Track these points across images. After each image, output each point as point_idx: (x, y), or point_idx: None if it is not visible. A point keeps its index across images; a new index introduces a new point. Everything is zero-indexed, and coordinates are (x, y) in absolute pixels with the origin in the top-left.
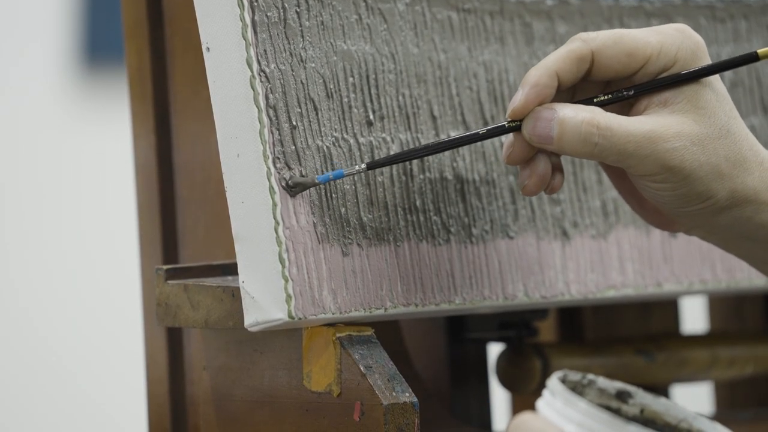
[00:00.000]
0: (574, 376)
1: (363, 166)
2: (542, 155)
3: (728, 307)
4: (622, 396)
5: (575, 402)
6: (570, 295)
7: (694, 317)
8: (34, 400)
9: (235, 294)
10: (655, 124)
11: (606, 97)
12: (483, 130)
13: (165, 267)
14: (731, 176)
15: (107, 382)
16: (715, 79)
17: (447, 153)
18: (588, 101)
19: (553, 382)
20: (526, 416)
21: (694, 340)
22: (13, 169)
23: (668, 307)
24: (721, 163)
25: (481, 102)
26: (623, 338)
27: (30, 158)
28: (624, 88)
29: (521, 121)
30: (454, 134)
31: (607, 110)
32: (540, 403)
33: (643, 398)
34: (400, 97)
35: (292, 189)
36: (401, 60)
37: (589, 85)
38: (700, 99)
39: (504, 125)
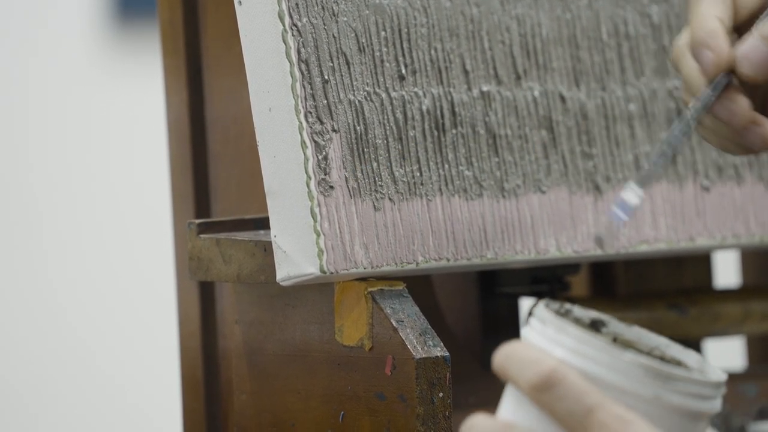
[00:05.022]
0: (553, 305)
1: (640, 193)
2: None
3: (761, 262)
4: (596, 325)
5: (568, 329)
6: (602, 249)
7: (726, 272)
8: (66, 354)
9: (267, 248)
10: None
11: None
12: (708, 94)
13: (197, 221)
14: None
15: (140, 337)
16: None
17: (479, 107)
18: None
19: (542, 310)
20: (516, 346)
21: (727, 294)
22: (45, 123)
23: (701, 262)
24: None
25: (513, 56)
26: (655, 293)
27: (62, 112)
28: None
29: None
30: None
31: None
32: (527, 333)
33: (616, 327)
34: (433, 51)
35: (602, 240)
36: (433, 13)
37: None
38: None
39: (720, 78)
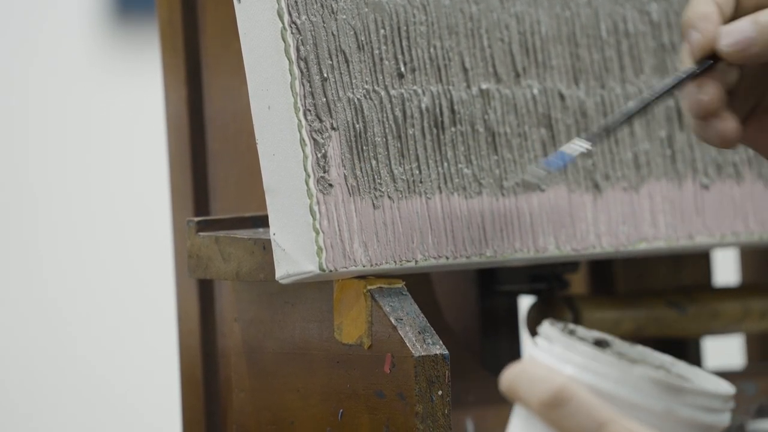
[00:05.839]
0: (558, 324)
1: (586, 146)
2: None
3: (760, 260)
4: (600, 344)
5: (576, 345)
6: (601, 247)
7: (726, 270)
8: (65, 353)
9: (266, 246)
10: None
11: None
12: (686, 72)
13: (196, 219)
14: None
15: (139, 335)
16: None
17: (478, 105)
18: None
19: (548, 329)
20: (524, 365)
21: (726, 292)
22: (45, 121)
23: (700, 260)
24: None
25: (512, 54)
26: (655, 291)
27: (62, 110)
28: None
29: (710, 59)
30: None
31: None
32: (534, 352)
33: (620, 347)
34: (432, 49)
35: (523, 185)
36: (433, 11)
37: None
38: None
39: (696, 66)
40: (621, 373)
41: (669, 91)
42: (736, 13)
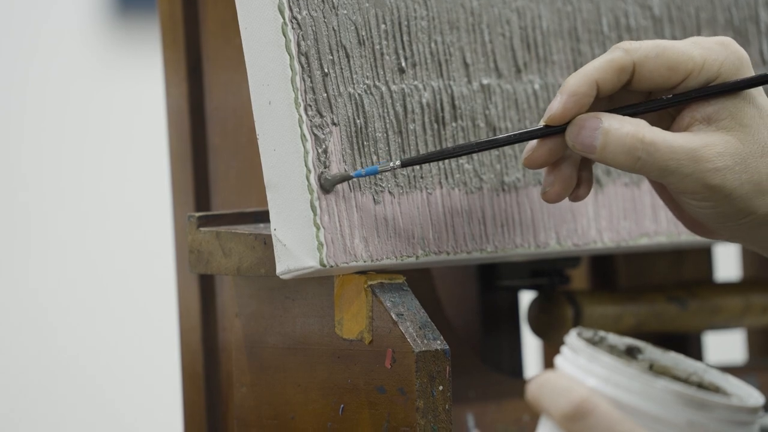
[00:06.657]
0: (587, 333)
1: (397, 163)
2: (568, 163)
3: (761, 255)
4: (632, 352)
5: (600, 357)
6: (602, 242)
7: (727, 264)
8: (66, 349)
9: (266, 241)
10: (699, 143)
11: (644, 106)
12: (519, 132)
13: (197, 214)
14: None
15: (140, 330)
16: (759, 93)
17: (479, 100)
18: (626, 108)
19: (574, 339)
20: (548, 375)
21: (728, 287)
22: (46, 116)
23: (701, 255)
24: (762, 180)
25: (513, 49)
26: (656, 286)
27: (63, 105)
28: (664, 97)
29: (557, 126)
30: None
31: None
32: (560, 361)
33: (652, 353)
34: (433, 44)
35: (325, 185)
36: (434, 6)
37: (627, 94)
38: (744, 116)
39: (541, 128)
40: (643, 386)
41: (511, 142)
42: (628, 86)
